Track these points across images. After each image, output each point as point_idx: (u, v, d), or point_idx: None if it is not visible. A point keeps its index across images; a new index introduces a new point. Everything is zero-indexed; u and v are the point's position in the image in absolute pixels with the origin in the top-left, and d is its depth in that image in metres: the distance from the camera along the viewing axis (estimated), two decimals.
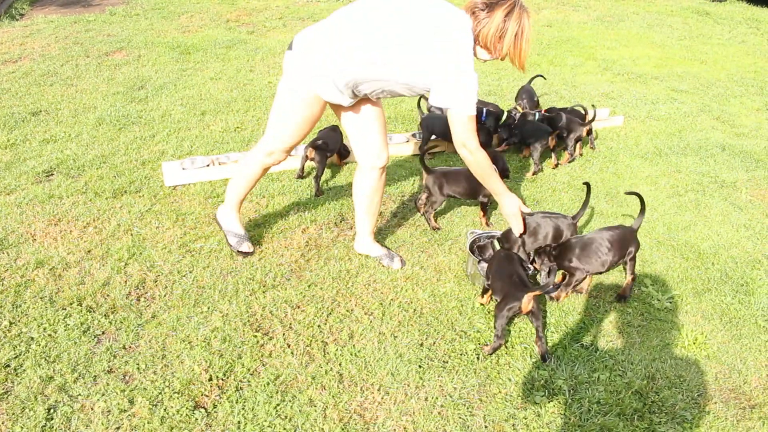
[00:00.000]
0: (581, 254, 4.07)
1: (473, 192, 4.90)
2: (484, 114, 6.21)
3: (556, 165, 5.99)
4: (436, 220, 4.97)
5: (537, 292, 3.61)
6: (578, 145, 6.11)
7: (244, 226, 4.59)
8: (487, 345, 3.73)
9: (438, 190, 4.84)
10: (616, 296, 4.15)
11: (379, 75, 3.64)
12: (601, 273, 4.17)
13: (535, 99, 6.83)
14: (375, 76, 3.65)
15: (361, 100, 4.01)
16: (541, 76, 7.34)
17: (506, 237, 4.27)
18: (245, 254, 4.46)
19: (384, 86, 3.72)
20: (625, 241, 4.11)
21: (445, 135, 5.90)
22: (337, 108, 4.09)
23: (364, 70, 3.63)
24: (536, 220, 4.31)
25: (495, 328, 3.65)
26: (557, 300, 4.14)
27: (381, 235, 4.80)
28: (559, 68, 9.18)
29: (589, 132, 6.32)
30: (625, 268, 4.21)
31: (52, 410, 3.18)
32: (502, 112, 6.44)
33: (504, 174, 5.08)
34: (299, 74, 3.78)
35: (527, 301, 3.59)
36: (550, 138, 5.83)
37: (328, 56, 3.66)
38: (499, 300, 3.74)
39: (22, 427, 3.08)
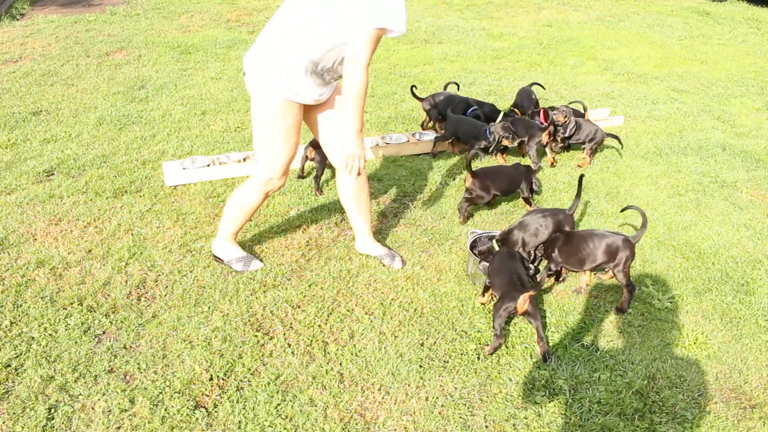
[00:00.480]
0: (563, 247, 4.18)
1: (515, 187, 5.12)
2: (469, 111, 6.25)
3: (553, 163, 6.01)
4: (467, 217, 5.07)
5: (532, 292, 3.63)
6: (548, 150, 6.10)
7: (243, 247, 4.47)
8: (487, 345, 3.73)
9: (485, 191, 4.93)
10: (615, 308, 4.13)
11: (335, 41, 3.56)
12: (577, 271, 4.24)
13: (534, 97, 6.83)
14: (332, 43, 3.57)
15: (326, 104, 3.98)
16: (540, 85, 7.33)
17: (506, 238, 4.29)
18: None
19: (341, 51, 3.62)
20: (613, 247, 4.08)
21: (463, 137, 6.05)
22: (309, 116, 4.04)
23: (322, 40, 3.56)
24: (536, 219, 4.33)
25: (494, 327, 3.66)
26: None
27: (381, 234, 4.80)
28: (560, 68, 9.18)
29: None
30: (616, 277, 4.15)
31: (52, 410, 3.19)
32: (499, 112, 6.45)
33: (533, 191, 5.22)
34: (264, 89, 3.73)
35: (522, 302, 3.60)
36: (544, 135, 5.83)
37: (286, 42, 3.60)
38: (497, 299, 3.75)
39: (22, 427, 3.08)
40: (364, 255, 4.53)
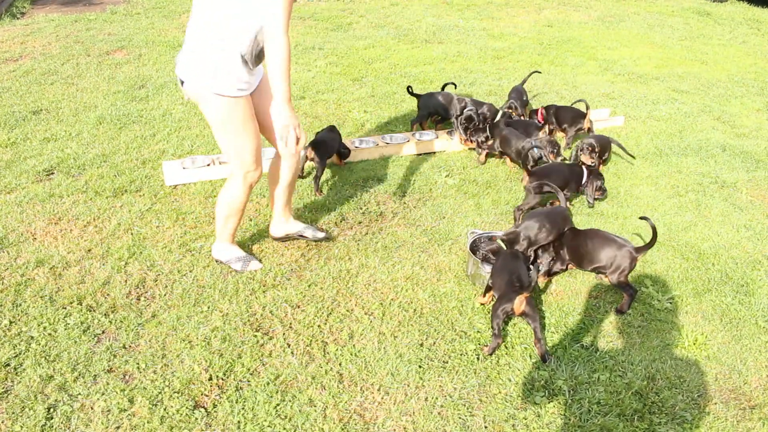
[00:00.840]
0: (570, 243, 4.26)
1: (572, 184, 5.21)
2: (459, 111, 6.28)
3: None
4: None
5: (526, 294, 3.63)
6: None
7: (243, 247, 4.50)
8: (486, 345, 3.73)
9: (539, 188, 4.96)
10: (615, 309, 4.12)
11: (257, 27, 3.60)
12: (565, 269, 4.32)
13: (525, 98, 6.84)
14: (255, 30, 3.61)
15: (265, 95, 3.99)
16: (538, 72, 7.41)
17: (512, 238, 4.27)
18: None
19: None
20: (616, 254, 4.06)
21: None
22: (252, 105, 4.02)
23: (247, 32, 3.60)
24: (538, 218, 4.34)
25: (492, 327, 3.67)
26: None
27: (381, 234, 4.80)
28: (560, 68, 9.18)
29: (590, 130, 6.33)
30: (611, 281, 4.14)
31: (52, 409, 3.19)
32: (497, 111, 6.46)
33: (602, 192, 5.29)
34: (209, 94, 3.74)
35: (519, 303, 3.61)
36: (540, 133, 5.87)
37: (215, 42, 3.63)
38: (496, 299, 3.76)
39: (22, 426, 3.08)
40: (363, 255, 4.53)
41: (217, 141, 4.05)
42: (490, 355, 3.67)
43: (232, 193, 4.12)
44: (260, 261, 4.43)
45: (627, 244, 4.08)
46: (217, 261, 4.39)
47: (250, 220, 4.90)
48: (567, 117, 6.36)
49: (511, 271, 3.82)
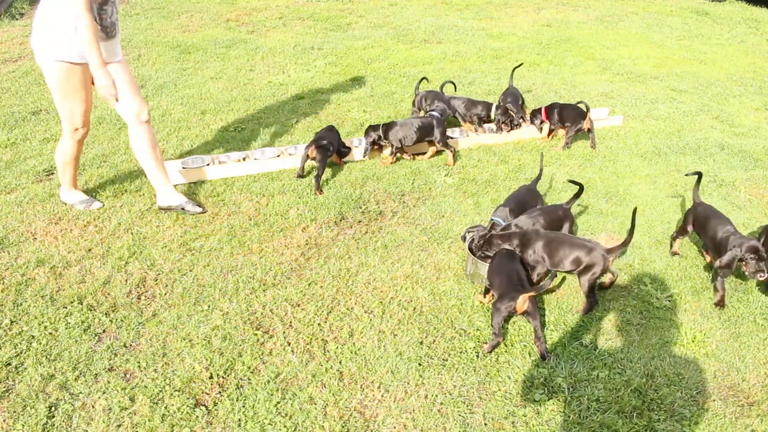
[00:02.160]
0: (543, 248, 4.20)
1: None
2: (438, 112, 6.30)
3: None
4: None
5: (532, 293, 3.64)
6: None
7: (242, 246, 4.62)
8: (486, 343, 3.74)
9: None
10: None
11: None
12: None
13: (520, 102, 6.87)
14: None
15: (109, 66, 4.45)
16: (520, 65, 7.55)
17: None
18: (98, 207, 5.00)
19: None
20: (584, 257, 4.04)
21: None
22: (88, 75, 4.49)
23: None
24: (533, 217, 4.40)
25: (492, 326, 3.68)
26: None
27: (381, 233, 4.81)
28: (559, 68, 9.19)
29: (590, 130, 6.35)
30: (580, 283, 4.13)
31: (53, 408, 3.20)
32: (491, 105, 6.54)
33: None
34: (51, 61, 4.30)
35: (522, 301, 3.62)
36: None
37: (54, 15, 4.20)
38: (496, 298, 3.77)
39: (23, 425, 3.09)
40: (362, 254, 4.55)
41: (54, 102, 4.59)
42: (490, 353, 3.68)
43: (64, 148, 4.80)
44: (102, 203, 5.04)
45: (600, 248, 4.05)
46: (63, 203, 5.01)
47: (250, 219, 4.91)
48: (570, 116, 6.37)
49: (511, 270, 3.84)
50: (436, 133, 5.88)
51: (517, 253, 4.10)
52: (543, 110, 6.52)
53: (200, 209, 4.99)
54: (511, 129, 6.55)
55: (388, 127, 5.85)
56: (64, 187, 5.02)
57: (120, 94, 4.53)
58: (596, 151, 6.38)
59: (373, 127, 5.88)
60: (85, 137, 4.83)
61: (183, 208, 4.95)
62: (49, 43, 4.24)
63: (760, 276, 4.04)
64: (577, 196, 4.68)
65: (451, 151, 5.93)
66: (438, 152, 6.13)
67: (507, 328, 3.88)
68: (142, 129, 4.79)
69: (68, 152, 4.82)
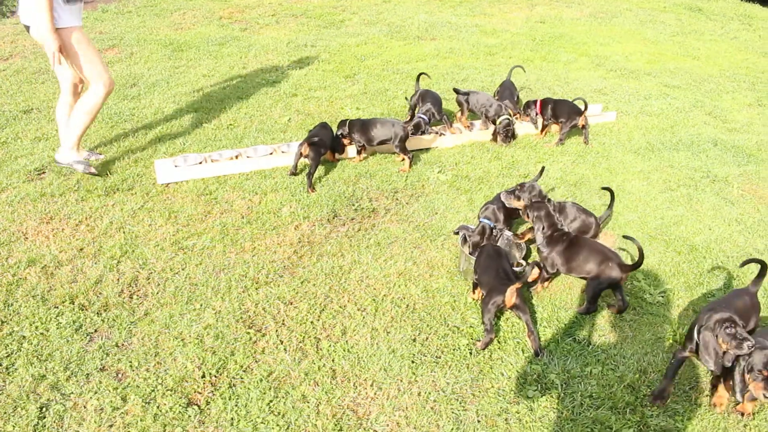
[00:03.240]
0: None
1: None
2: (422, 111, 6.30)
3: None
4: None
5: (519, 285, 3.65)
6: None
7: (239, 247, 4.58)
8: (479, 340, 3.74)
9: None
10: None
11: None
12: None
13: (516, 96, 6.88)
14: None
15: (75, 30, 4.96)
16: (521, 68, 7.53)
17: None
18: (96, 174, 5.33)
19: None
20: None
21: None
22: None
23: None
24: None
25: (483, 323, 3.68)
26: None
27: (374, 230, 4.80)
28: (553, 64, 9.19)
29: (585, 126, 6.35)
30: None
31: (44, 409, 3.18)
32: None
33: None
34: (52, 32, 4.74)
35: (510, 295, 3.63)
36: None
37: None
38: (485, 294, 3.77)
39: (14, 426, 3.07)
40: (355, 251, 4.54)
41: (78, 69, 5.02)
42: (483, 349, 3.68)
43: (93, 103, 5.11)
44: (102, 154, 5.66)
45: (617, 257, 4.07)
46: (58, 163, 5.34)
47: (242, 217, 4.89)
48: (564, 111, 6.36)
49: (497, 265, 3.83)
50: (396, 138, 5.74)
51: (503, 250, 4.09)
52: (538, 103, 6.51)
53: (93, 170, 5.30)
54: (510, 139, 6.44)
55: (353, 124, 5.85)
56: (69, 147, 5.29)
57: (86, 57, 4.99)
58: (590, 147, 6.39)
59: (342, 122, 5.89)
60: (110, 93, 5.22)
61: (72, 167, 5.31)
62: (56, 17, 4.71)
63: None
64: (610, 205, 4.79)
65: (408, 158, 5.77)
66: (427, 149, 6.12)
67: (500, 325, 3.88)
68: (101, 91, 5.12)
69: (97, 106, 5.15)
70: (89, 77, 5.04)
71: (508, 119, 6.31)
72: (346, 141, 5.87)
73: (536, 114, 6.52)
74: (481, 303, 3.75)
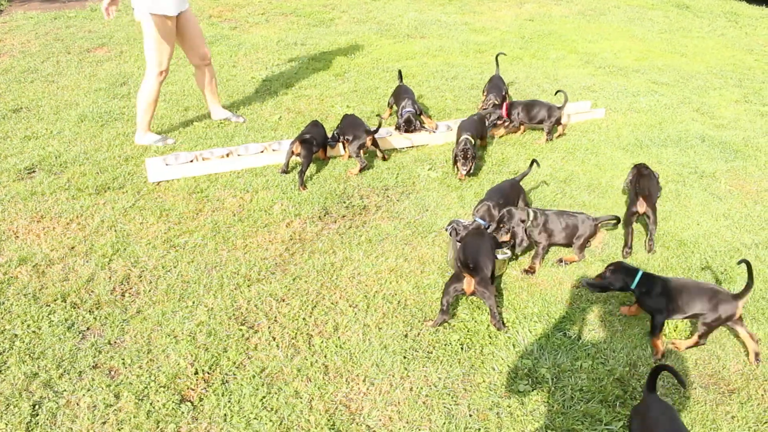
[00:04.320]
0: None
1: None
2: (405, 111, 6.31)
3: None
4: None
5: (476, 278, 3.74)
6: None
7: (233, 245, 4.60)
8: (431, 320, 3.86)
9: None
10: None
11: None
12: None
13: (504, 92, 6.91)
14: None
15: (187, 15, 5.76)
16: (503, 53, 7.62)
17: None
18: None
19: None
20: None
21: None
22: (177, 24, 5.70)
23: None
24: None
25: (441, 303, 3.82)
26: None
27: (365, 227, 4.82)
28: (541, 62, 9.23)
29: (558, 122, 6.37)
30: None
31: (37, 406, 3.19)
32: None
33: None
34: (150, 15, 5.40)
35: (468, 284, 3.74)
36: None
37: None
38: (450, 276, 3.91)
39: (6, 424, 3.08)
40: (347, 248, 4.56)
41: (145, 49, 5.66)
42: (434, 328, 3.81)
43: (150, 89, 5.79)
44: (174, 139, 6.12)
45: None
46: (139, 145, 5.94)
47: (234, 215, 4.90)
48: (541, 112, 6.36)
49: (470, 253, 3.87)
50: (352, 140, 5.71)
51: (487, 237, 4.15)
52: (505, 105, 6.47)
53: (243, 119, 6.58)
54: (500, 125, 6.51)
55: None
56: (140, 131, 5.97)
57: (194, 38, 5.97)
58: (579, 143, 6.42)
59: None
60: (164, 80, 5.87)
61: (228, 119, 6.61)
62: (154, 1, 5.37)
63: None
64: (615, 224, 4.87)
65: (360, 163, 5.66)
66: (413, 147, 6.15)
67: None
68: (206, 70, 6.24)
69: (153, 93, 5.80)
70: (148, 62, 5.70)
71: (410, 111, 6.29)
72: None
73: (498, 117, 6.46)
74: (444, 284, 3.88)
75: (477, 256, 3.85)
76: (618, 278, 3.87)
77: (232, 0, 11.97)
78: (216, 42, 9.34)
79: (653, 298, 3.74)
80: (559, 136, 6.51)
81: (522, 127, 6.55)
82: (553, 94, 7.01)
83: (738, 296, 3.65)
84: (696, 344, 3.74)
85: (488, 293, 3.77)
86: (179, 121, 6.57)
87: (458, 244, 4.26)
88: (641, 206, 4.69)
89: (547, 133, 6.36)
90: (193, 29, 5.93)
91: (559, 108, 6.33)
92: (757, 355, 3.68)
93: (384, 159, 5.88)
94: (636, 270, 3.86)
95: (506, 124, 6.46)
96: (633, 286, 3.82)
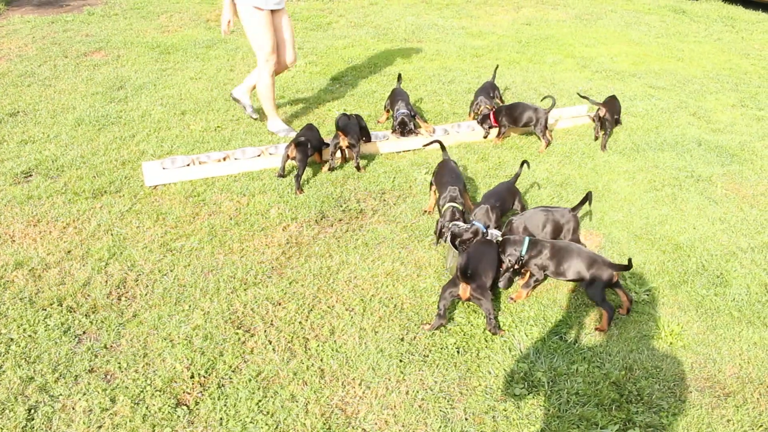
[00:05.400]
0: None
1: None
2: (399, 113, 6.33)
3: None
4: None
5: (472, 285, 3.74)
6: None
7: (222, 245, 4.62)
8: (428, 324, 3.87)
9: None
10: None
11: None
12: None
13: (491, 94, 6.93)
14: None
15: (282, 12, 6.09)
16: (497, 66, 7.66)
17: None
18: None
19: None
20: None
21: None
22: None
23: None
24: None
25: (438, 307, 3.82)
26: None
27: (361, 231, 4.83)
28: (538, 66, 9.25)
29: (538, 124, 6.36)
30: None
31: (32, 410, 3.18)
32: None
33: None
34: (249, 6, 5.70)
35: (463, 290, 3.74)
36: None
37: None
38: (447, 281, 3.91)
39: (2, 428, 3.07)
40: (343, 252, 4.56)
41: (250, 42, 6.06)
42: (431, 332, 3.81)
43: (262, 81, 6.20)
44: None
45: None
46: (270, 132, 6.45)
47: (230, 219, 4.90)
48: (523, 115, 6.34)
49: (471, 260, 3.81)
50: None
51: (493, 247, 4.14)
52: (491, 114, 6.49)
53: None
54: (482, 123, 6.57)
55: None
56: (270, 119, 6.43)
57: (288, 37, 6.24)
58: (576, 147, 6.43)
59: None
60: (276, 71, 6.23)
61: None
62: None
63: None
64: (582, 203, 4.63)
65: (330, 166, 5.77)
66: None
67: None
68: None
69: (266, 83, 6.18)
70: (257, 56, 6.10)
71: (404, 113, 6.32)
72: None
73: (490, 127, 6.47)
74: (441, 288, 3.89)
75: (477, 265, 3.84)
76: (512, 252, 4.12)
77: None
78: (213, 46, 9.35)
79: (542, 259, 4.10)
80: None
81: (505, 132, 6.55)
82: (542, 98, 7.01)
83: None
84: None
85: (484, 299, 3.76)
86: (176, 124, 6.57)
87: (454, 249, 4.27)
88: (602, 111, 6.43)
89: (542, 137, 6.35)
90: (281, 32, 6.15)
91: (546, 111, 6.29)
92: (628, 310, 4.11)
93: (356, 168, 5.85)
94: (522, 239, 4.17)
95: (502, 130, 6.46)
96: (523, 253, 4.09)
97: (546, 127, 6.32)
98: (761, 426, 3.34)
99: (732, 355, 3.80)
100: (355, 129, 5.71)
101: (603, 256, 4.09)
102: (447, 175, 4.92)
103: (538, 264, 4.09)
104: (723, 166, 6.22)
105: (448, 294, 3.79)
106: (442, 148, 5.26)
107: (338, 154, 5.89)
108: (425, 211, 5.12)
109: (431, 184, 5.15)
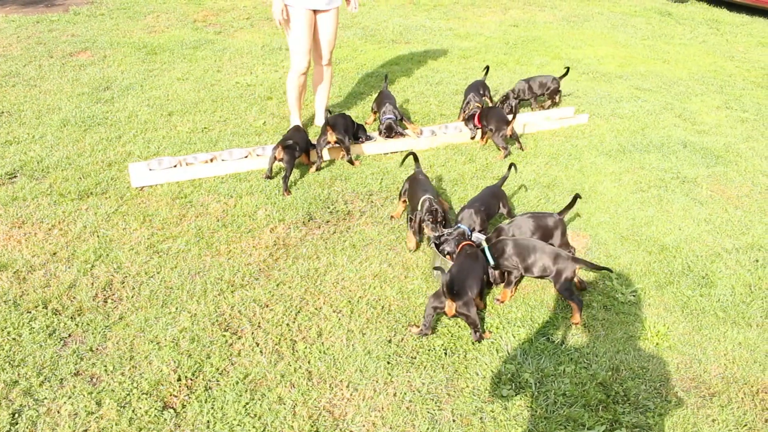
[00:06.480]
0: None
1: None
2: (385, 118, 6.34)
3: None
4: None
5: (456, 303, 3.67)
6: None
7: (210, 246, 4.60)
8: (415, 326, 3.88)
9: None
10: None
11: None
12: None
13: (482, 92, 6.96)
14: None
15: (329, 15, 6.04)
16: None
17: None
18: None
19: None
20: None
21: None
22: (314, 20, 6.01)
23: None
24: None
25: (424, 316, 3.80)
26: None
27: (349, 232, 4.82)
28: (526, 67, 9.29)
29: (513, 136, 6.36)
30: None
31: (16, 415, 3.15)
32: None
33: None
34: (290, 5, 5.73)
35: (449, 307, 3.70)
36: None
37: None
38: (433, 293, 3.87)
39: None
40: (331, 254, 4.55)
41: (287, 40, 6.09)
42: (418, 336, 3.80)
43: (291, 82, 6.24)
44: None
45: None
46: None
47: (218, 220, 4.88)
48: (492, 119, 6.31)
49: (456, 277, 3.77)
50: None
51: (480, 261, 4.10)
52: (477, 116, 6.49)
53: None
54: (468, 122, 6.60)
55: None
56: (293, 116, 6.46)
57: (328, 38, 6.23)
58: (562, 149, 6.46)
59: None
60: (306, 72, 6.21)
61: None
62: None
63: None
64: (570, 206, 4.60)
65: (317, 166, 5.80)
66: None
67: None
68: (326, 69, 6.48)
69: (291, 84, 6.23)
70: (291, 54, 6.16)
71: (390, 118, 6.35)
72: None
73: (475, 127, 6.50)
74: (427, 299, 3.84)
75: (463, 281, 3.77)
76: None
77: (216, 4, 11.95)
78: (200, 47, 9.31)
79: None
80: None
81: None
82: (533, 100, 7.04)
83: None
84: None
85: (470, 315, 3.70)
86: (163, 125, 6.54)
87: (440, 255, 4.27)
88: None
89: (516, 141, 6.36)
90: (322, 33, 6.14)
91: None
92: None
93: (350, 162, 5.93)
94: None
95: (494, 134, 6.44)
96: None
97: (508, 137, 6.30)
98: (746, 425, 3.36)
99: (717, 355, 3.83)
100: (342, 124, 5.72)
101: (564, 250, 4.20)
102: (419, 188, 4.81)
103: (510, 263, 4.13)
104: (708, 167, 6.27)
105: (432, 308, 3.74)
106: (416, 160, 5.17)
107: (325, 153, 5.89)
108: (392, 217, 5.09)
109: (401, 194, 5.10)
